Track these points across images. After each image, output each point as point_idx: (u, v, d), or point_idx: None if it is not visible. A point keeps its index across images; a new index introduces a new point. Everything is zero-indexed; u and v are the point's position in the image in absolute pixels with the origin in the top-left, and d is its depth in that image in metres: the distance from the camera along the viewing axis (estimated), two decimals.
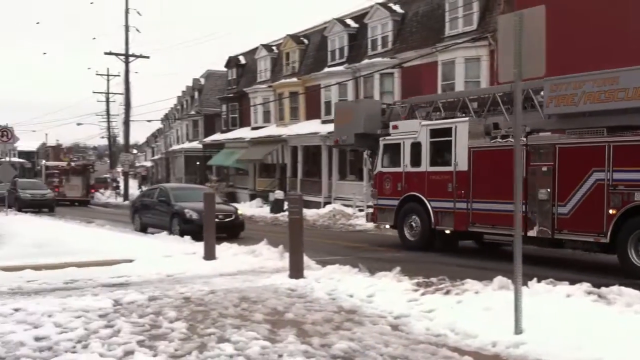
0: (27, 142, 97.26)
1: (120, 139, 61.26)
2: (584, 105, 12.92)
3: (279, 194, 32.55)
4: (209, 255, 13.17)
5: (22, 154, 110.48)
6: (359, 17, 34.48)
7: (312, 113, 37.38)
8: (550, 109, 13.68)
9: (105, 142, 68.99)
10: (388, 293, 8.84)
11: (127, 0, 47.88)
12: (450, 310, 7.73)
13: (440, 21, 28.76)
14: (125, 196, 49.20)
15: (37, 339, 6.65)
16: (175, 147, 67.18)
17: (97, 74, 61.54)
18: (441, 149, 16.22)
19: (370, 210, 19.95)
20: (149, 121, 62.97)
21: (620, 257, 12.12)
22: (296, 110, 39.54)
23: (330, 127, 32.89)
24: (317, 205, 31.74)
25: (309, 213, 26.36)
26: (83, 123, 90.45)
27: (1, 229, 19.28)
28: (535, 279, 8.53)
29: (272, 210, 31.70)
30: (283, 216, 28.45)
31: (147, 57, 49.08)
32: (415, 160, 16.77)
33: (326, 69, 35.73)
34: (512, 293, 6.84)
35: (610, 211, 12.10)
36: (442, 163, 16.12)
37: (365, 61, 31.99)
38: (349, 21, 35.35)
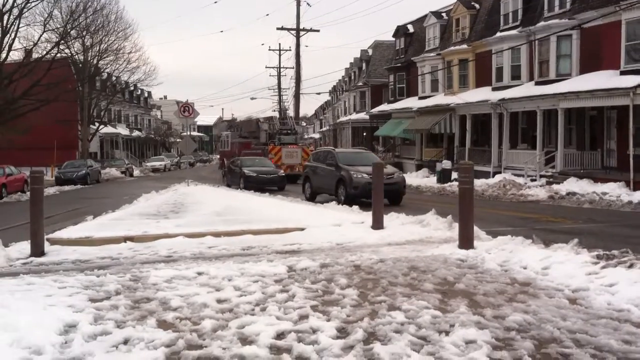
0: (205, 117, 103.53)
1: (291, 112, 63.18)
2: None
3: (446, 164, 32.10)
4: (377, 224, 13.24)
5: (200, 128, 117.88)
6: None
7: (482, 80, 36.24)
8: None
9: (276, 115, 71.61)
10: (565, 265, 8.39)
11: None
12: (634, 285, 7.17)
13: None
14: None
15: (219, 301, 7.02)
16: (343, 118, 68.23)
17: (270, 49, 63.92)
18: (226, 143, 48.22)
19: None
20: (318, 94, 64.42)
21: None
22: (465, 77, 38.54)
23: (501, 94, 31.87)
24: (485, 175, 30.87)
25: (477, 183, 25.64)
26: (256, 97, 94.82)
27: (185, 199, 20.66)
28: None
29: (439, 181, 31.33)
30: (450, 186, 28.02)
31: (317, 31, 50.16)
32: (224, 146, 49.92)
33: (498, 34, 34.34)
34: None
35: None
36: (226, 147, 47.71)
37: (541, 23, 30.31)
38: None
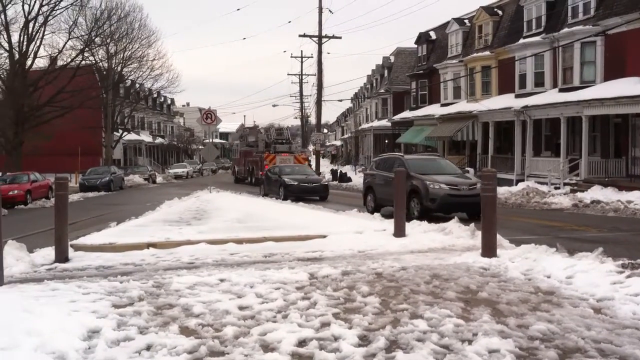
0: (227, 124, 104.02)
1: (312, 119, 63.39)
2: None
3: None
4: (399, 232, 13.19)
5: (222, 135, 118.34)
6: None
7: (505, 87, 36.04)
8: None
9: (298, 122, 71.95)
10: (589, 274, 8.28)
11: None
12: None
13: None
14: (317, 174, 50.86)
15: (241, 308, 7.03)
16: (365, 125, 68.19)
17: (292, 57, 64.10)
18: (237, 150, 57.87)
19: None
20: (339, 100, 64.50)
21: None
22: (488, 84, 38.36)
23: (524, 101, 31.64)
24: (508, 182, 30.65)
25: (500, 191, 25.47)
26: (278, 104, 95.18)
27: (207, 206, 20.76)
28: None
29: None
30: None
31: (339, 38, 50.28)
32: (235, 154, 61.18)
33: (521, 40, 34.11)
34: None
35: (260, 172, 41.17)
36: (237, 155, 56.04)
37: (565, 30, 30.08)
38: None
